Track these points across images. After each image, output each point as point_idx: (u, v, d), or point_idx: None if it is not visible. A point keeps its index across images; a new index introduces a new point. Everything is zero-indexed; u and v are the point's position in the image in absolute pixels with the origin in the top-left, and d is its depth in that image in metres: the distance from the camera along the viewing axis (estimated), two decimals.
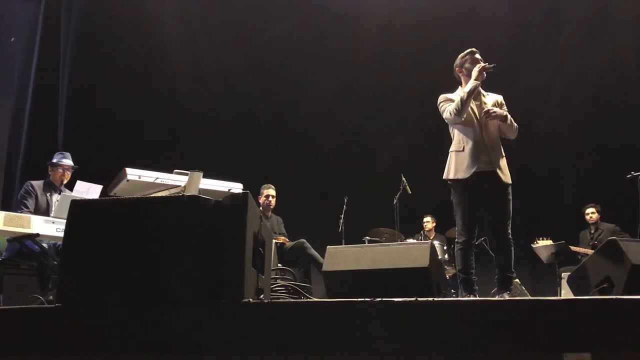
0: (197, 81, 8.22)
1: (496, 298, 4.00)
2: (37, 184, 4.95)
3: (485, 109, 4.05)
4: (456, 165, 4.08)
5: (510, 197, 4.04)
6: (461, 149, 4.09)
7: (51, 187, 4.99)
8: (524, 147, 8.19)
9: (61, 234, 3.85)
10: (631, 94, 8.04)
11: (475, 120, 4.09)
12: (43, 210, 4.80)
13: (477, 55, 4.17)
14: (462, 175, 4.01)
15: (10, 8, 7.48)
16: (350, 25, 8.37)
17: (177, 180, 3.47)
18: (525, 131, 7.85)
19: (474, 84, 4.02)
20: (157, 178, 3.42)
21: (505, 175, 4.05)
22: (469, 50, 4.22)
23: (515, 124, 4.17)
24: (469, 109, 4.08)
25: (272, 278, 3.29)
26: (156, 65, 7.96)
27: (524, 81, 8.23)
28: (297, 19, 8.32)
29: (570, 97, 8.29)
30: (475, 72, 4.05)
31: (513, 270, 4.04)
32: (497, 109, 4.08)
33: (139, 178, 3.37)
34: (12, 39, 7.36)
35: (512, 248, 4.00)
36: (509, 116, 4.11)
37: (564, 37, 8.18)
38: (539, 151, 8.45)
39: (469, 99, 4.01)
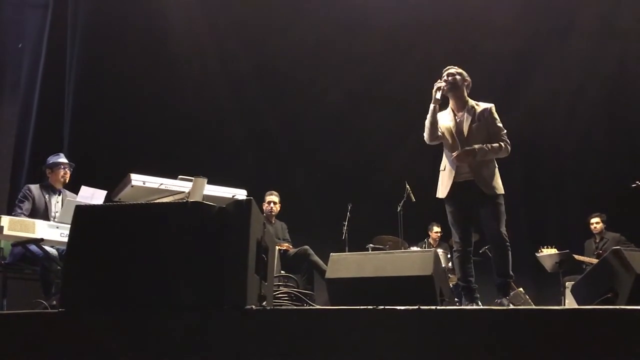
0: (203, 87, 8.25)
1: (495, 303, 3.99)
2: (35, 187, 4.93)
3: (457, 154, 3.98)
4: (440, 185, 4.16)
5: (501, 206, 3.97)
6: (443, 168, 4.17)
7: (50, 190, 4.96)
8: (529, 155, 8.20)
9: (65, 239, 3.85)
10: (637, 103, 8.02)
11: (453, 140, 4.08)
12: (41, 212, 4.78)
13: (444, 73, 4.16)
14: (441, 195, 4.11)
15: (18, 14, 7.53)
16: (358, 34, 8.40)
17: (181, 186, 3.48)
18: (530, 139, 7.90)
19: (430, 109, 4.06)
20: (162, 184, 3.43)
21: (492, 187, 3.97)
22: None
23: (497, 146, 3.99)
24: (448, 128, 4.11)
25: (275, 285, 3.29)
26: (163, 71, 7.99)
27: (530, 89, 8.24)
28: (304, 28, 8.35)
29: (575, 105, 8.29)
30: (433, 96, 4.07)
31: (512, 274, 3.97)
32: (467, 148, 3.94)
33: (144, 184, 3.38)
34: (20, 45, 7.41)
35: (509, 253, 3.94)
36: (477, 147, 3.93)
37: (570, 45, 8.18)
38: (544, 159, 8.44)
39: (429, 124, 4.06)
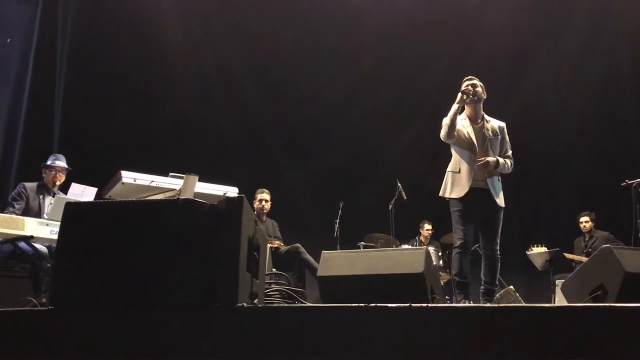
0: (196, 84, 8.22)
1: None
2: (30, 186, 4.96)
3: (482, 160, 4.17)
4: (452, 185, 4.27)
5: (501, 218, 4.22)
6: (457, 170, 4.28)
7: (44, 189, 4.99)
8: (520, 154, 8.21)
9: (55, 237, 3.83)
10: (627, 102, 8.08)
11: (471, 145, 4.23)
12: (35, 212, 4.80)
13: (468, 82, 4.31)
14: (456, 195, 4.22)
15: (7, 10, 7.46)
16: (351, 34, 8.42)
17: (172, 183, 3.46)
18: (522, 138, 7.93)
19: (453, 108, 4.18)
20: (153, 181, 3.41)
21: (500, 198, 4.23)
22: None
23: (509, 163, 4.32)
24: (466, 133, 4.26)
25: (267, 282, 3.29)
26: (153, 67, 7.95)
27: (521, 89, 8.28)
28: (298, 27, 8.35)
29: (566, 105, 8.34)
30: (458, 96, 4.21)
31: (497, 283, 4.24)
32: (490, 158, 4.18)
33: (134, 181, 3.36)
34: (8, 40, 7.35)
35: (499, 264, 4.18)
36: (500, 160, 4.24)
37: (562, 46, 8.22)
38: (535, 158, 8.47)
39: (450, 122, 4.18)
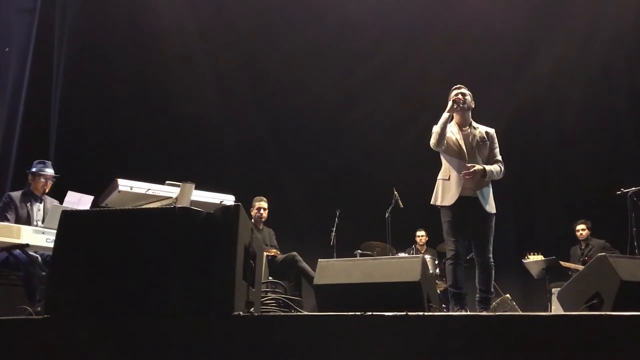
0: (192, 92, 8.22)
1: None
2: (15, 195, 4.89)
3: (469, 169, 4.14)
4: (442, 192, 4.29)
5: (493, 225, 4.21)
6: (447, 177, 4.29)
7: (31, 197, 4.92)
8: (516, 162, 8.27)
9: (51, 245, 3.81)
10: (622, 111, 8.12)
11: (460, 152, 4.26)
12: (24, 220, 4.75)
13: (456, 91, 4.32)
14: (447, 202, 4.23)
15: (4, 18, 7.47)
16: (349, 41, 8.46)
17: (169, 191, 3.46)
18: (517, 146, 7.97)
19: (444, 117, 4.23)
20: (149, 189, 3.41)
21: (489, 205, 4.23)
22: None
23: (498, 169, 4.28)
24: (454, 140, 4.28)
25: (263, 291, 3.28)
26: (151, 75, 7.96)
27: (516, 96, 8.31)
28: (295, 35, 8.39)
29: (562, 112, 8.37)
30: (448, 105, 4.25)
31: (492, 291, 4.23)
32: (477, 166, 4.15)
33: (131, 189, 3.36)
34: (7, 49, 7.35)
35: (493, 271, 4.17)
36: (487, 168, 4.20)
37: (556, 52, 8.27)
38: (531, 166, 8.51)
39: (440, 130, 4.21)
